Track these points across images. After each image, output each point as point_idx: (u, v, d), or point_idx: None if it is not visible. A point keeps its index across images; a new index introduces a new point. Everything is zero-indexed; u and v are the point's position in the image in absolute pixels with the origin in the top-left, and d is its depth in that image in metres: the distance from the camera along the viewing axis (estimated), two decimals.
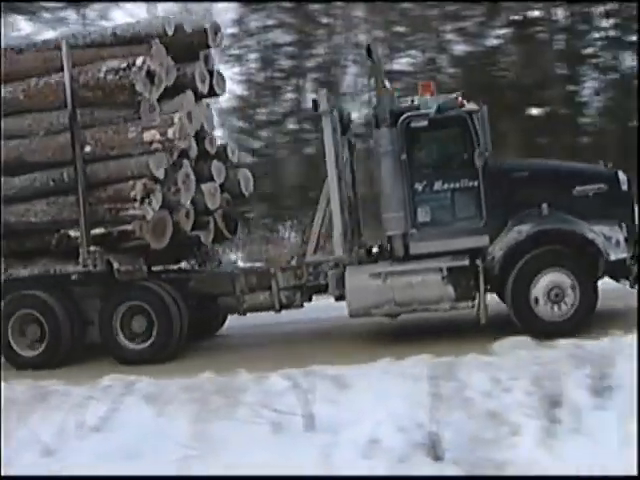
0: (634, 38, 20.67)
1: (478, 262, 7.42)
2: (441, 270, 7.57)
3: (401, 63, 22.00)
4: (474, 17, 21.66)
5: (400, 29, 21.50)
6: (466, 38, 22.04)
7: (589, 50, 21.74)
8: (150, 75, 8.37)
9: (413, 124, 7.81)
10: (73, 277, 8.70)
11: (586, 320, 7.26)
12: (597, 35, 21.83)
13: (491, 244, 7.50)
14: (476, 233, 7.62)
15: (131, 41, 8.84)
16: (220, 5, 20.39)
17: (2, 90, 8.74)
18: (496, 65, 21.72)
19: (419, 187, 7.77)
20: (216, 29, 9.13)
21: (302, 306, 8.57)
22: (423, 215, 7.77)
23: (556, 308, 7.38)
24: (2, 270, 8.74)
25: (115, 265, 8.57)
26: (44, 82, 8.82)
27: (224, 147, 9.78)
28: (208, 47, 9.11)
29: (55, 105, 8.78)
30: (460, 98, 7.88)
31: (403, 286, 7.68)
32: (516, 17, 21.40)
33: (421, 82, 8.59)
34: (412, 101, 8.06)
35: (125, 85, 8.40)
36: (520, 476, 4.61)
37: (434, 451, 4.72)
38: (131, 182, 8.39)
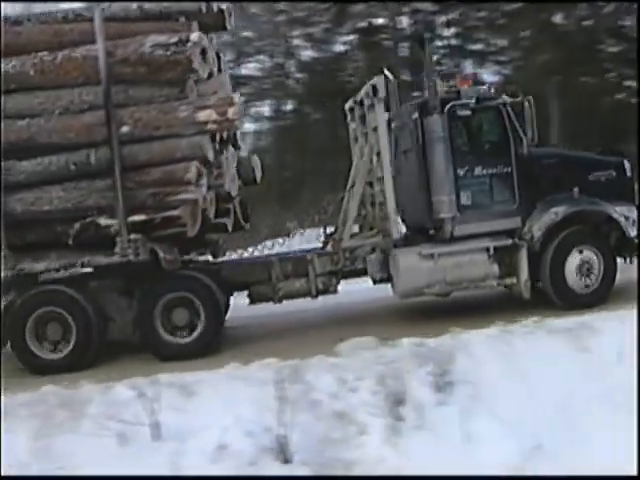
0: (474, 47, 23.42)
1: (521, 241, 8.59)
2: (488, 250, 8.62)
3: (249, 68, 23.61)
4: (321, 23, 23.37)
5: (248, 34, 22.81)
6: (313, 44, 23.74)
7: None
8: (203, 52, 8.13)
9: (458, 112, 8.74)
10: (92, 269, 8.47)
11: (608, 292, 8.64)
12: (440, 43, 24.02)
13: (523, 225, 8.67)
14: (510, 215, 8.72)
15: (161, 17, 8.53)
16: None
17: (2, 65, 8.14)
18: (342, 71, 23.68)
19: (461, 172, 8.67)
20: (230, 11, 8.92)
21: (336, 292, 9.08)
22: (466, 199, 8.70)
23: (586, 281, 8.68)
24: (8, 266, 8.22)
25: (161, 254, 8.33)
26: (63, 56, 8.23)
27: (234, 133, 9.47)
28: (225, 29, 9.03)
29: (78, 81, 8.29)
30: (494, 89, 9.08)
31: (453, 266, 8.61)
32: (362, 24, 23.43)
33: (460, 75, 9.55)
34: (456, 90, 8.88)
35: (180, 61, 8.08)
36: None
37: (283, 454, 5.22)
38: (183, 164, 8.10)
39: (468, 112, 8.78)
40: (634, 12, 26.66)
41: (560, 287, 8.54)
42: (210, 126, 8.20)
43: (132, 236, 8.14)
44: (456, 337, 6.31)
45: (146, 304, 8.35)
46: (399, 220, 8.96)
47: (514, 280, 8.57)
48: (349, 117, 10.34)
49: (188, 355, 8.13)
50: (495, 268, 8.63)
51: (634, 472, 4.90)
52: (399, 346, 6.30)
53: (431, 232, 8.82)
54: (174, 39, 8.05)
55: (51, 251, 8.31)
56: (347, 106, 10.29)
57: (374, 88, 8.68)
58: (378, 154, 8.95)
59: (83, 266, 8.34)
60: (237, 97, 8.35)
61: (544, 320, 6.69)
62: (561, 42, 26.34)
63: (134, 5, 8.64)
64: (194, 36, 8.12)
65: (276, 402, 5.37)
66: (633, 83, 27.11)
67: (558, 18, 27.23)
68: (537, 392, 5.72)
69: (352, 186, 9.21)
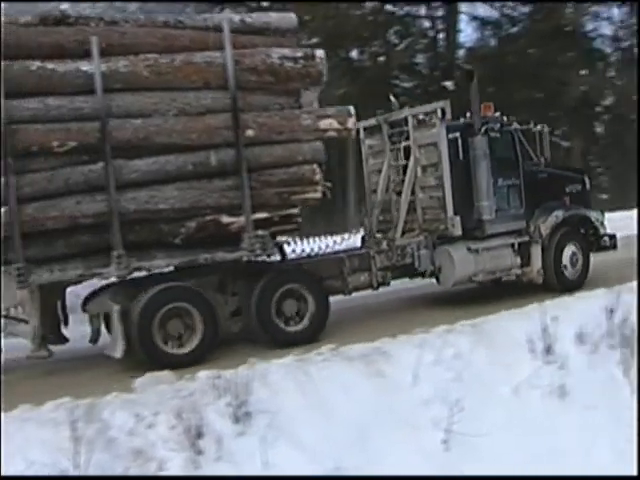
0: None
1: (534, 238, 12.83)
2: (513, 245, 12.75)
3: None
4: None
5: None
6: None
7: None
8: None
9: (490, 134, 12.59)
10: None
11: (586, 278, 13.11)
12: None
13: (527, 226, 12.88)
14: (520, 218, 12.89)
15: (261, 31, 10.73)
16: None
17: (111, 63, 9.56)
18: None
19: (494, 183, 12.57)
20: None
21: (389, 284, 12.24)
22: (496, 204, 12.51)
23: (573, 269, 13.07)
24: (122, 265, 9.55)
25: (285, 249, 11.40)
26: (182, 60, 9.98)
27: None
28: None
29: (196, 85, 10.09)
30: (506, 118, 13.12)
31: (491, 258, 12.51)
32: None
33: (483, 104, 12.85)
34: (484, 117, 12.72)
35: (311, 73, 10.59)
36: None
37: None
38: (309, 166, 10.56)
39: (497, 134, 12.83)
40: (427, 50, 31.87)
41: (559, 274, 12.92)
42: (330, 133, 10.83)
43: (259, 232, 10.37)
44: (253, 367, 7.54)
45: (265, 296, 10.52)
46: (458, 220, 12.33)
47: (529, 269, 12.84)
48: (363, 134, 13.77)
49: (300, 341, 10.19)
50: (518, 260, 12.81)
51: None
52: (196, 379, 7.22)
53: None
54: (300, 53, 10.65)
55: (157, 250, 10.02)
56: (363, 125, 13.56)
57: (443, 111, 12.37)
58: (424, 167, 12.79)
59: (204, 262, 10.24)
60: (352, 109, 11.06)
61: (340, 347, 8.14)
62: (357, 76, 30.53)
63: (236, 18, 11.01)
64: (320, 52, 10.84)
65: (71, 443, 6.22)
66: None
67: (354, 53, 33.44)
68: (335, 418, 7.40)
69: (373, 191, 13.34)
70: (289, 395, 7.39)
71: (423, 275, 12.54)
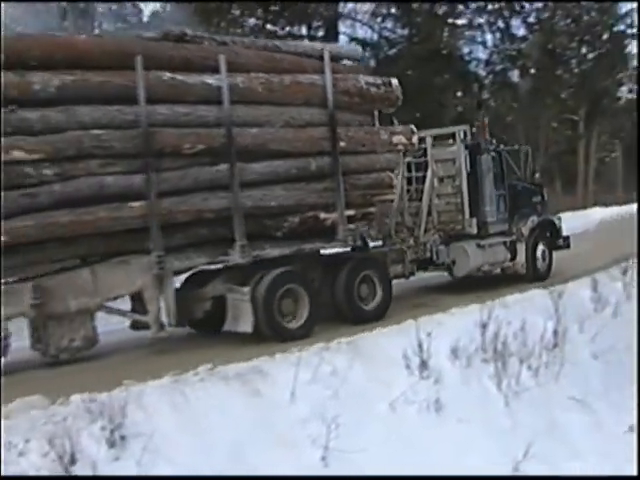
0: None
1: (520, 237, 16.15)
2: (505, 243, 16.01)
3: None
4: None
5: None
6: None
7: None
8: None
9: (490, 154, 15.93)
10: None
11: (550, 270, 16.52)
12: None
13: (509, 228, 16.11)
14: (505, 222, 16.10)
15: (336, 59, 13.00)
16: None
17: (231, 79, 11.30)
18: None
19: (494, 192, 15.86)
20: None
21: (414, 275, 14.84)
22: (496, 209, 15.81)
23: (543, 263, 16.47)
24: (246, 253, 11.27)
25: (369, 241, 14.23)
26: (290, 80, 12.12)
27: None
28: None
29: (299, 102, 12.24)
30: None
31: (492, 253, 15.67)
32: None
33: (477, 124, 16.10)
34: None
35: (390, 97, 13.36)
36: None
37: None
38: (387, 173, 13.33)
39: (493, 154, 16.02)
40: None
41: (535, 267, 16.23)
42: (399, 147, 13.57)
43: (351, 226, 12.75)
44: (128, 390, 7.35)
45: (351, 279, 12.59)
46: (474, 221, 15.36)
47: (515, 262, 16.08)
48: None
49: (373, 319, 12.22)
50: (508, 255, 16.08)
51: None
52: (70, 403, 7.08)
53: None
54: (380, 80, 13.32)
55: (264, 241, 11.83)
56: None
57: (465, 133, 15.71)
58: (441, 178, 15.68)
59: (306, 251, 12.29)
60: (414, 127, 13.79)
61: (216, 367, 8.09)
62: None
63: (319, 46, 13.53)
64: (395, 80, 13.50)
65: None
66: None
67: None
68: (212, 438, 7.34)
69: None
70: (165, 417, 7.30)
71: (438, 267, 15.32)
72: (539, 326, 10.10)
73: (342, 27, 38.40)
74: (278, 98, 11.97)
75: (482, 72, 40.04)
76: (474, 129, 16.19)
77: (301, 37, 37.61)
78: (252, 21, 34.74)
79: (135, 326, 11.61)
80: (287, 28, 36.08)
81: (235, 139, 11.19)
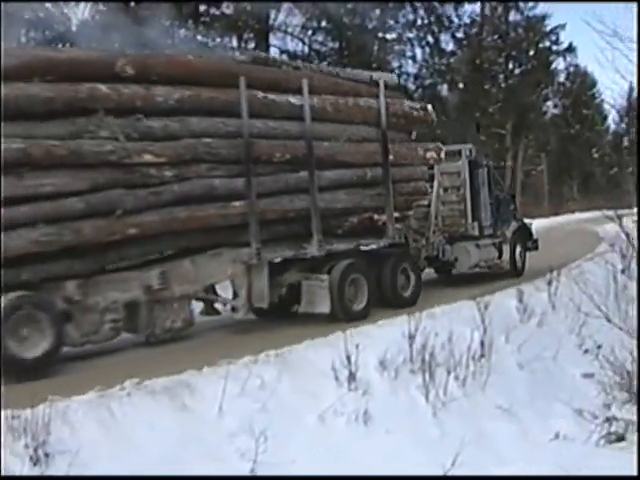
0: None
1: (505, 239, 18.42)
2: (494, 244, 18.28)
3: None
4: None
5: None
6: None
7: None
8: None
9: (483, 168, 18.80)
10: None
11: (524, 268, 18.83)
12: None
13: (494, 232, 18.33)
14: (491, 226, 18.33)
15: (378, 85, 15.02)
16: None
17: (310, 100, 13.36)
18: None
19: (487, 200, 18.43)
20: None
21: (425, 270, 17.22)
22: (489, 215, 18.30)
23: (520, 261, 18.91)
24: (322, 248, 13.24)
25: (409, 239, 16.64)
26: (352, 102, 14.40)
27: None
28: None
29: (359, 121, 14.48)
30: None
31: (487, 252, 18.02)
32: None
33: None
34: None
35: (427, 119, 16.33)
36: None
37: None
38: (422, 182, 16.22)
39: (484, 168, 18.59)
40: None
41: (515, 264, 18.71)
42: (430, 161, 16.29)
43: (397, 226, 15.14)
44: (53, 405, 7.22)
45: (394, 271, 14.68)
46: (476, 225, 17.88)
47: (502, 260, 18.37)
48: None
49: (409, 304, 14.07)
50: (496, 254, 18.38)
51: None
52: None
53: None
54: (418, 105, 16.65)
55: (329, 237, 13.65)
56: None
57: (470, 151, 18.34)
58: (446, 188, 18.16)
59: (363, 247, 14.49)
60: (440, 144, 16.76)
61: (143, 381, 8.00)
62: None
63: (366, 73, 16.09)
64: (429, 106, 16.67)
65: None
66: None
67: None
68: (140, 453, 7.33)
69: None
70: (91, 433, 7.21)
71: (443, 264, 17.51)
72: (466, 337, 10.27)
73: (273, 40, 38.54)
74: (342, 117, 14.25)
75: (411, 86, 40.45)
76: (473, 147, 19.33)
77: (232, 49, 37.58)
78: (183, 32, 34.56)
79: (207, 312, 14.23)
80: (218, 39, 36.00)
81: (313, 150, 13.26)
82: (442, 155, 16.36)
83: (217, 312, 14.22)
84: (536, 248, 19.55)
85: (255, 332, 12.26)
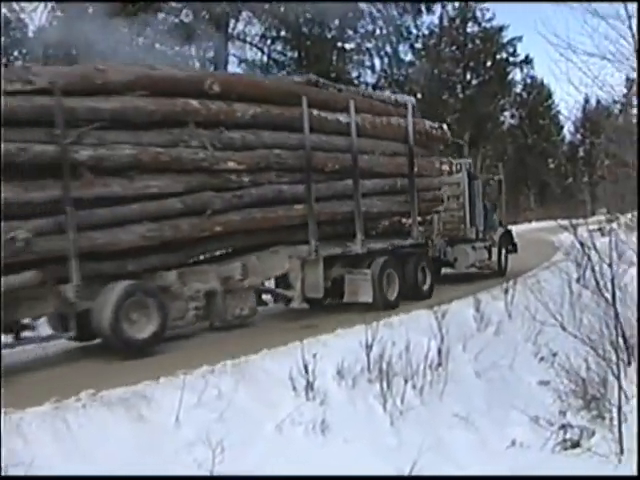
0: None
1: (493, 243, 20.99)
2: (486, 246, 20.69)
3: None
4: None
5: None
6: None
7: None
8: None
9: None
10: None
11: (507, 268, 21.37)
12: None
13: (484, 235, 20.65)
14: (483, 231, 20.70)
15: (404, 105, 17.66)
16: None
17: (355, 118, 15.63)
18: None
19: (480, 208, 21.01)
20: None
21: None
22: (482, 221, 20.82)
23: (505, 262, 21.52)
24: (364, 246, 15.52)
25: (429, 241, 19.09)
26: (387, 121, 16.82)
27: None
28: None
29: (390, 137, 16.83)
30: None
31: (480, 253, 20.37)
32: None
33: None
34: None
35: (444, 138, 19.62)
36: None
37: None
38: (438, 191, 19.02)
39: (480, 181, 21.66)
40: None
41: (502, 264, 21.30)
42: (444, 173, 19.80)
43: (420, 228, 17.50)
44: (7, 417, 7.21)
45: (415, 268, 16.87)
46: (474, 229, 20.40)
47: (492, 261, 20.88)
48: None
49: (426, 297, 16.44)
50: (487, 255, 20.86)
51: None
52: None
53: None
54: (436, 125, 18.93)
55: (367, 238, 15.82)
56: None
57: (470, 164, 22.38)
58: (448, 197, 20.29)
59: (393, 246, 16.60)
60: (450, 159, 21.37)
61: (99, 392, 7.91)
62: None
63: (393, 96, 19.36)
64: (445, 125, 19.68)
65: None
66: None
67: None
68: (96, 465, 7.26)
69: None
70: (45, 445, 7.10)
71: (444, 263, 19.92)
72: (423, 346, 10.33)
73: (232, 49, 38.51)
74: (378, 134, 16.51)
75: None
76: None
77: (191, 57, 37.47)
78: (141, 40, 34.41)
79: (260, 304, 14.88)
80: (176, 48, 35.89)
81: (357, 162, 15.43)
82: (454, 167, 20.37)
83: (265, 303, 15.36)
84: (515, 251, 22.32)
85: (212, 343, 12.19)
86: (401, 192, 17.03)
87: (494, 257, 21.00)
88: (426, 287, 17.14)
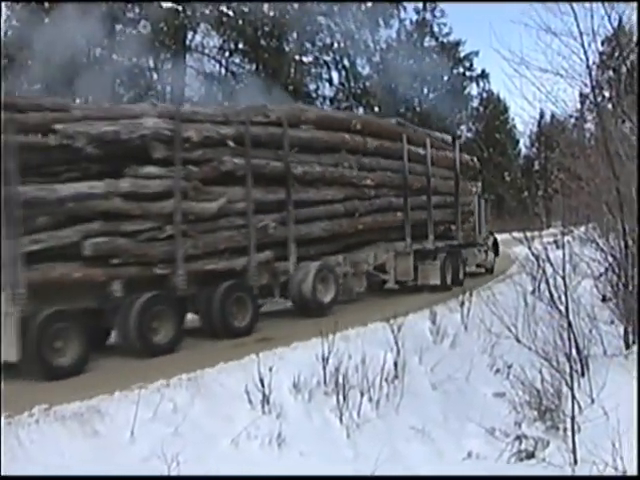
0: None
1: (488, 248, 26.25)
2: (485, 250, 25.91)
3: None
4: None
5: None
6: None
7: None
8: None
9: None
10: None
11: (494, 268, 26.52)
12: None
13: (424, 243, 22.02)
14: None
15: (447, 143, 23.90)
16: None
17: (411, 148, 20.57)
18: None
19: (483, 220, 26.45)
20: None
21: None
22: (484, 229, 26.57)
23: (493, 262, 26.85)
24: (433, 242, 21.13)
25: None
26: (442, 154, 22.40)
27: None
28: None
29: (444, 166, 22.39)
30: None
31: (481, 255, 25.43)
32: None
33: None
34: None
35: (476, 167, 26.12)
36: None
37: None
38: (471, 206, 24.62)
39: (483, 199, 27.02)
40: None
41: (492, 265, 26.33)
42: (474, 193, 25.60)
43: (461, 233, 23.15)
44: None
45: (458, 262, 21.91)
46: (481, 236, 25.48)
47: (487, 261, 25.86)
48: None
49: (460, 283, 20.85)
50: (484, 256, 25.59)
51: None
52: None
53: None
54: (469, 157, 25.25)
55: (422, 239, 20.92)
56: None
57: (479, 186, 26.84)
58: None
59: (448, 245, 22.21)
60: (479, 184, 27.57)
61: (52, 407, 7.79)
62: None
63: (445, 137, 24.77)
64: (475, 158, 26.33)
65: None
66: None
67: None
68: None
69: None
70: None
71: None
72: (380, 358, 10.39)
73: (190, 61, 38.46)
74: (438, 163, 21.89)
75: (328, 109, 40.89)
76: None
77: (148, 69, 37.37)
78: (98, 51, 34.27)
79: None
80: (134, 60, 35.78)
81: (409, 182, 19.92)
82: (478, 189, 25.81)
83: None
84: (498, 255, 27.29)
85: (168, 356, 12.05)
86: (450, 206, 22.69)
87: (489, 258, 26.22)
88: (461, 276, 22.14)
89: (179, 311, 12.73)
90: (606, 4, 11.66)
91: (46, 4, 30.62)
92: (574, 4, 11.12)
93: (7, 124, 10.44)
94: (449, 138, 24.51)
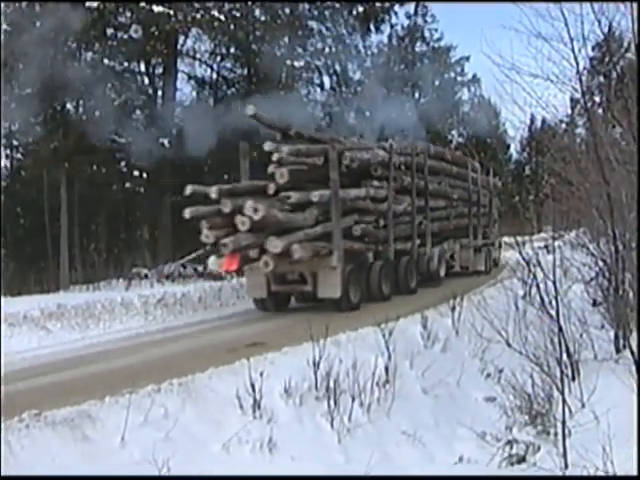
0: None
1: (486, 246, 30.26)
2: (481, 250, 29.47)
3: None
4: None
5: None
6: None
7: None
8: None
9: None
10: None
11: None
12: None
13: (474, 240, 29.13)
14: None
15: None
16: None
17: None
18: None
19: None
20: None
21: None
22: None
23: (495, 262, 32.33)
24: (475, 241, 28.52)
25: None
26: (482, 177, 30.07)
27: None
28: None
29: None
30: None
31: (496, 251, 31.64)
32: None
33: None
34: None
35: (496, 187, 32.63)
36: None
37: None
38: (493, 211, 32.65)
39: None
40: (144, 106, 32.52)
41: (497, 261, 31.75)
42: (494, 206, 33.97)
43: (492, 234, 31.35)
44: None
45: (490, 254, 29.87)
46: (492, 236, 31.70)
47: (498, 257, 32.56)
48: None
49: (488, 272, 28.28)
50: (497, 253, 32.01)
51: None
52: None
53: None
54: (491, 178, 32.22)
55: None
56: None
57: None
58: None
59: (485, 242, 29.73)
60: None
61: (42, 412, 7.76)
62: (70, 130, 31.15)
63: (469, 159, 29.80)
64: (497, 178, 34.03)
65: None
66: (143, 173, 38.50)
67: (69, 106, 35.04)
68: None
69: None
70: None
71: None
72: (371, 363, 10.40)
73: (181, 65, 38.45)
74: (480, 183, 28.82)
75: (320, 114, 40.94)
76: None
77: (140, 73, 37.34)
78: (90, 55, 34.20)
79: None
80: (125, 64, 35.74)
81: (480, 199, 28.72)
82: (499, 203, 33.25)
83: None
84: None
85: (158, 361, 12.03)
86: (484, 214, 29.40)
87: (499, 254, 31.57)
88: (491, 265, 29.08)
89: (389, 273, 19.99)
90: (596, 10, 11.74)
91: (37, 7, 30.54)
92: (564, 10, 11.18)
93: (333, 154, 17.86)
94: (478, 165, 29.74)
